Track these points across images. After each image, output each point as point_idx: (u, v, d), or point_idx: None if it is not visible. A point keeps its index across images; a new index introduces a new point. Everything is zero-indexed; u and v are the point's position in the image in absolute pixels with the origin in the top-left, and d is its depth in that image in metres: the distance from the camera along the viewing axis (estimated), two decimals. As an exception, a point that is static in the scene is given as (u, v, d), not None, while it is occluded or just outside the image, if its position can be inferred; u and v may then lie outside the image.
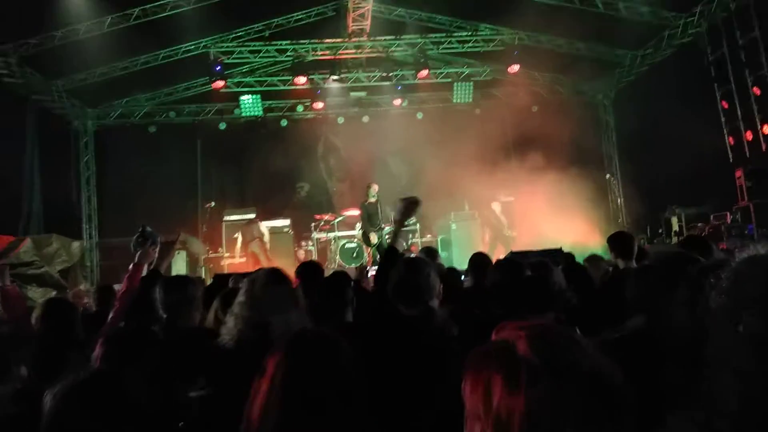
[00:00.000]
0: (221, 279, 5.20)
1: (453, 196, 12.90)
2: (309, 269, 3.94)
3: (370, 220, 10.69)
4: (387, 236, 11.29)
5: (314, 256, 12.69)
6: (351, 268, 11.07)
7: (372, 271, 7.08)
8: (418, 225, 13.05)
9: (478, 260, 4.49)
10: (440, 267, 4.49)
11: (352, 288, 3.37)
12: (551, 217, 11.77)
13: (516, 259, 3.77)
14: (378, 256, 10.78)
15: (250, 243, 11.80)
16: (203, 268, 12.35)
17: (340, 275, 3.71)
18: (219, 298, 3.16)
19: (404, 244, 11.97)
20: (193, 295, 3.06)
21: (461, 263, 6.58)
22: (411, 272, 2.62)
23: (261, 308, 2.37)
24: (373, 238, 10.69)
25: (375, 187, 10.79)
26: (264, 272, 2.51)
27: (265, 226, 12.47)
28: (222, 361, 2.34)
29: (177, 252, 11.02)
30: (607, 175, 14.28)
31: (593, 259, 5.41)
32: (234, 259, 12.06)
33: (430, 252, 5.21)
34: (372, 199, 10.73)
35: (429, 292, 2.57)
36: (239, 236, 11.99)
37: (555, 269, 3.53)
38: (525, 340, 1.05)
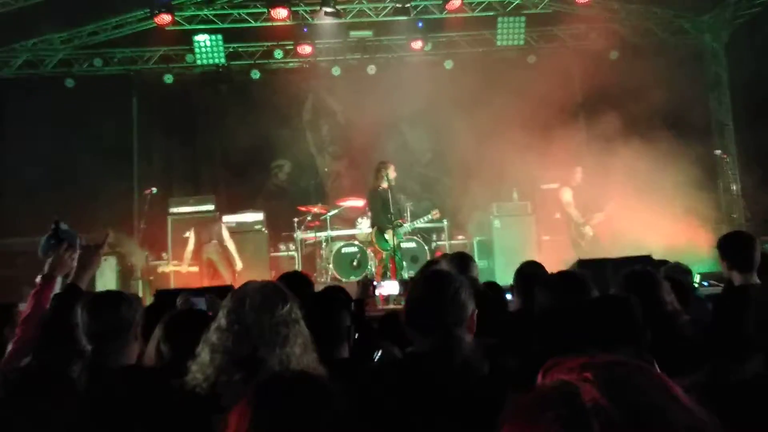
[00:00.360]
0: (165, 297, 5.21)
1: (496, 179, 12.95)
2: (291, 283, 3.94)
3: (384, 211, 10.90)
4: (405, 236, 11.45)
5: (297, 265, 12.68)
6: (350, 282, 11.10)
7: (386, 288, 7.20)
8: (446, 222, 13.15)
9: (529, 273, 4.58)
10: (474, 282, 4.54)
11: (352, 311, 3.43)
12: (635, 210, 11.78)
13: (579, 272, 3.90)
14: (389, 265, 10.92)
15: (205, 246, 11.90)
16: (139, 282, 12.36)
17: (334, 292, 3.81)
18: (162, 324, 3.18)
19: (425, 247, 12.22)
20: (129, 319, 3.10)
21: (507, 275, 6.76)
22: (430, 288, 2.68)
23: (252, 339, 2.42)
24: (390, 238, 10.93)
25: (392, 169, 10.97)
26: (258, 288, 2.58)
27: (227, 222, 12.49)
28: (188, 412, 2.35)
29: (104, 259, 10.86)
30: (718, 152, 14.21)
31: (675, 270, 5.43)
32: (181, 268, 12.16)
33: (461, 260, 5.31)
34: (384, 185, 10.93)
35: (454, 314, 2.61)
36: (191, 236, 12.03)
37: (662, 284, 3.65)
38: (593, 384, 1.06)
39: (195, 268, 11.89)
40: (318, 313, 3.20)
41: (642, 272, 3.84)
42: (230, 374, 2.37)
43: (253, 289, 2.55)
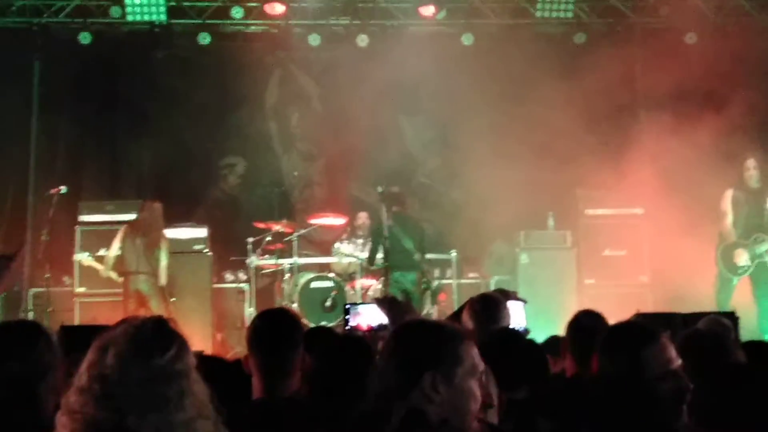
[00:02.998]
0: (73, 336, 5.36)
1: (525, 198, 12.68)
2: (269, 330, 4.24)
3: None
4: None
5: (249, 301, 12.64)
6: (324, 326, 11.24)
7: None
8: (454, 254, 12.83)
9: (587, 326, 4.77)
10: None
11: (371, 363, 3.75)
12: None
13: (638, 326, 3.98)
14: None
15: (132, 276, 11.78)
16: (31, 314, 12.11)
17: (354, 344, 4.16)
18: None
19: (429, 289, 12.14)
20: (47, 362, 3.12)
21: (534, 329, 6.67)
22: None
23: (120, 401, 2.22)
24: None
25: None
26: (129, 329, 2.35)
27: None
28: None
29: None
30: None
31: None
32: (95, 299, 12.17)
33: (487, 305, 5.32)
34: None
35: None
36: (118, 238, 11.98)
37: (734, 351, 4.13)
38: None
39: (116, 285, 11.78)
40: (341, 374, 3.61)
41: (705, 334, 4.23)
42: None
43: (122, 332, 2.31)
